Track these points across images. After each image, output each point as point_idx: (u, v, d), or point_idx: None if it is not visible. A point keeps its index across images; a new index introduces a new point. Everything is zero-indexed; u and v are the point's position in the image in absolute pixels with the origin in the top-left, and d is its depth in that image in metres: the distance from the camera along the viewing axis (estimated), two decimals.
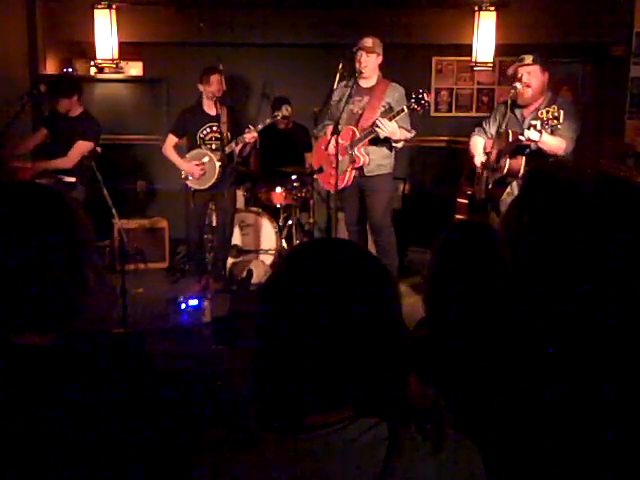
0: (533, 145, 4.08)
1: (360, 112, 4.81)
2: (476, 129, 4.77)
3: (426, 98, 4.51)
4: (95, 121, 5.25)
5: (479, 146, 4.65)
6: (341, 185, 4.82)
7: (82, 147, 5.02)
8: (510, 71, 4.43)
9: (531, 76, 4.30)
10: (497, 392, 1.40)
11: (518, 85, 4.36)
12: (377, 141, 4.75)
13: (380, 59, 4.81)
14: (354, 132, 4.80)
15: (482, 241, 1.69)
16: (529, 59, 4.32)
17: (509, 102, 4.41)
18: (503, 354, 1.44)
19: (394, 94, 4.77)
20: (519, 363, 1.41)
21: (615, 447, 1.34)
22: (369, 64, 4.72)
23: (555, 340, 1.41)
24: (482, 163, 4.53)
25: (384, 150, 4.84)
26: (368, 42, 4.70)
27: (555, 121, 3.87)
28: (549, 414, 1.36)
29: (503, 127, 4.42)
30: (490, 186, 4.41)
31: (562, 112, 3.88)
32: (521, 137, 4.03)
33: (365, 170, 4.82)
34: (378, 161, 4.84)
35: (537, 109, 4.27)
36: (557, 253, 1.40)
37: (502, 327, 1.49)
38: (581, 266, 1.39)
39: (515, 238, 1.49)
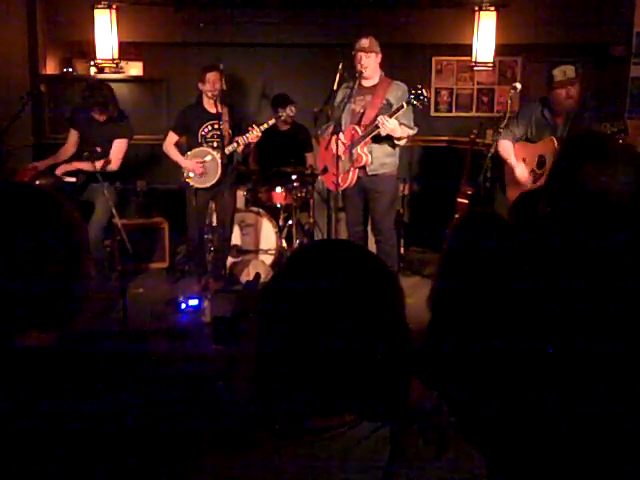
0: None
1: (362, 111, 4.78)
2: (502, 131, 4.55)
3: (425, 94, 4.47)
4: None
5: (510, 151, 4.53)
6: (344, 185, 4.79)
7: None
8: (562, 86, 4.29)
9: (574, 89, 4.31)
10: (499, 396, 1.40)
11: (518, 85, 4.36)
12: (379, 139, 4.71)
13: (380, 57, 4.77)
14: (356, 131, 4.77)
15: (492, 234, 1.68)
16: (571, 72, 4.25)
17: (540, 105, 4.40)
18: (505, 357, 1.44)
19: (396, 92, 4.72)
20: (521, 366, 1.41)
21: (615, 450, 1.34)
22: (369, 64, 4.69)
23: (557, 342, 1.41)
24: (531, 173, 4.41)
25: (386, 148, 4.79)
26: (365, 43, 4.68)
27: (624, 134, 3.77)
28: (550, 418, 1.36)
29: (533, 131, 4.42)
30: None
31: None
32: None
33: (368, 169, 4.78)
34: (381, 159, 4.79)
35: (567, 116, 4.32)
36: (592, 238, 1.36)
37: (504, 329, 1.49)
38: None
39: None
